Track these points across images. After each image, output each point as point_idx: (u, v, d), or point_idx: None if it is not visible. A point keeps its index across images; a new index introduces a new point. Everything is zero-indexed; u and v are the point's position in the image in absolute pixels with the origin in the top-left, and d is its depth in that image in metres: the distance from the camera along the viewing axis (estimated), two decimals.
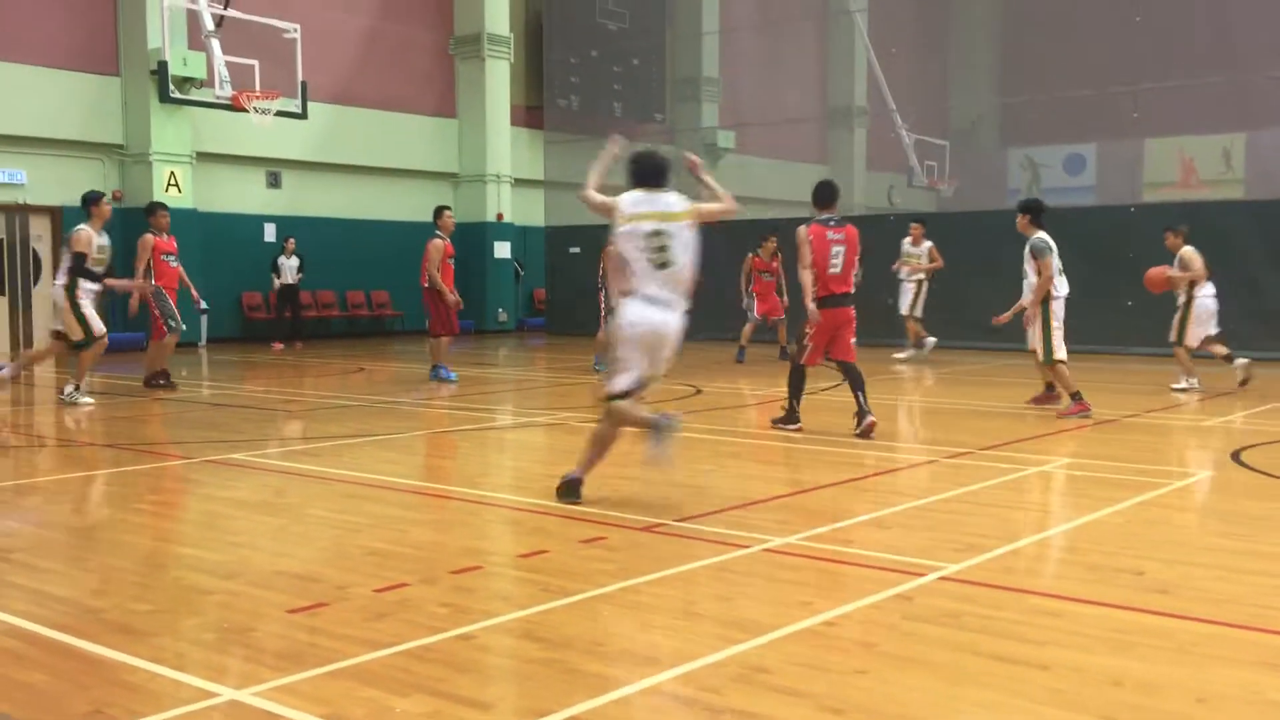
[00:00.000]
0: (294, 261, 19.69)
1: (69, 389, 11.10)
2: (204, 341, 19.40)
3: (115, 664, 3.62)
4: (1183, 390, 11.77)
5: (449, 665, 3.61)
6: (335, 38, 21.24)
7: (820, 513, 6.06)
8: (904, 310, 16.20)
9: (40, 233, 18.46)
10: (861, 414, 8.70)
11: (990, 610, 4.20)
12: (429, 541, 5.41)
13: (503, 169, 23.82)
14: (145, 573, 4.88)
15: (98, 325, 11.14)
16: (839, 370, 9.17)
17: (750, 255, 16.09)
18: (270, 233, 20.70)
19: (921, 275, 16.18)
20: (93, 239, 11.01)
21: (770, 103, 28.79)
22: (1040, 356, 9.85)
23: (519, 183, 24.25)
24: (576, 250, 20.04)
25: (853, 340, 8.96)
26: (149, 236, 12.33)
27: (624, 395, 6.04)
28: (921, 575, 4.65)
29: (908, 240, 16.31)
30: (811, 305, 8.69)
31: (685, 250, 6.17)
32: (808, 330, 8.84)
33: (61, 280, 11.06)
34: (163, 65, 17.59)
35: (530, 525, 5.86)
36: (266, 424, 9.92)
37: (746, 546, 5.17)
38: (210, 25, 17.61)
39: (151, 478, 7.28)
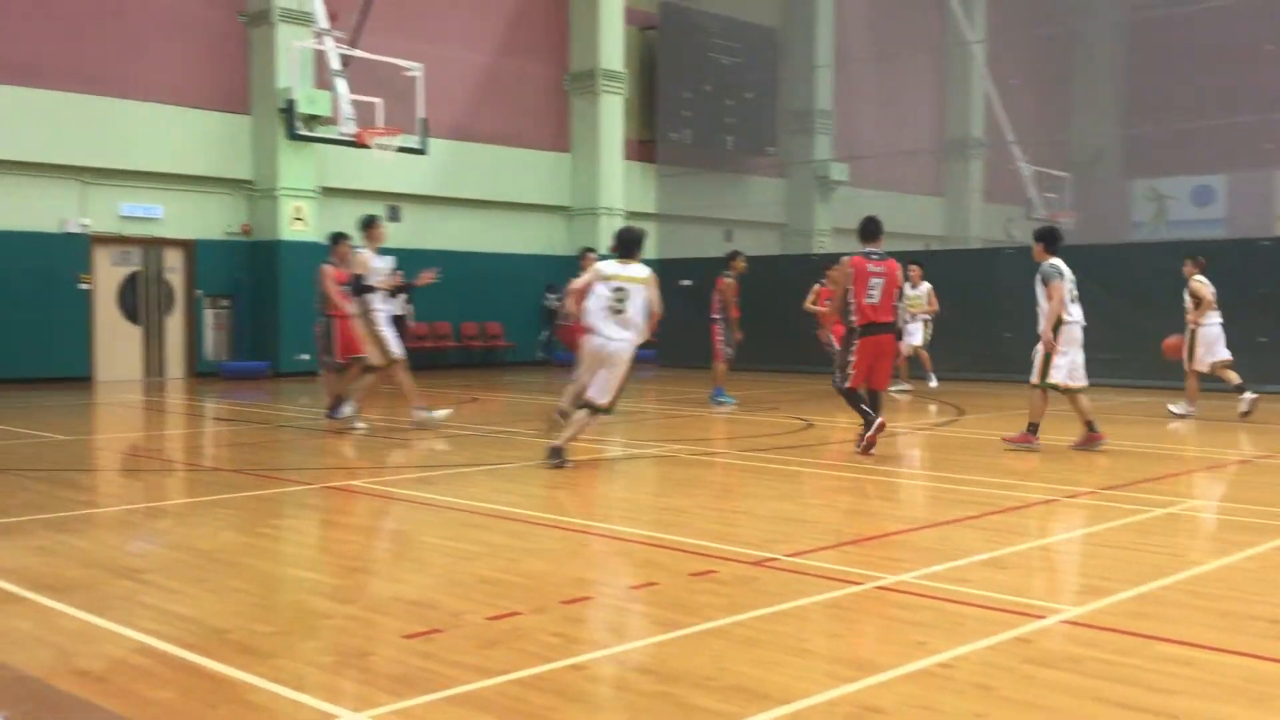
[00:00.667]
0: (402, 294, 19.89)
1: (346, 409, 11.19)
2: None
3: (240, 684, 3.72)
4: (1180, 415, 12.46)
5: (560, 695, 3.63)
6: (455, 75, 21.77)
7: (935, 550, 5.94)
8: (918, 343, 16.06)
9: (174, 265, 19.23)
10: (867, 426, 9.32)
11: (1115, 656, 4.05)
12: (540, 571, 5.45)
13: (614, 202, 24.06)
14: (267, 595, 5.02)
15: (394, 349, 11.14)
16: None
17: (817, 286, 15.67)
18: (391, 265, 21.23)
19: (926, 316, 15.91)
20: (369, 260, 11.10)
21: (884, 135, 28.58)
22: (1033, 377, 9.88)
23: (631, 215, 24.45)
24: (688, 283, 20.08)
25: (891, 369, 9.84)
26: (328, 267, 12.48)
27: (588, 405, 8.77)
28: (1042, 618, 4.52)
29: (907, 284, 15.63)
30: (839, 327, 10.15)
31: (636, 303, 8.71)
32: (851, 357, 9.42)
33: (355, 308, 11.13)
34: (291, 104, 18.25)
35: (640, 557, 5.86)
36: (383, 452, 10.13)
37: (859, 584, 5.09)
38: (336, 65, 18.22)
39: (274, 503, 7.49)
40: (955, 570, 5.42)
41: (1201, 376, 12.67)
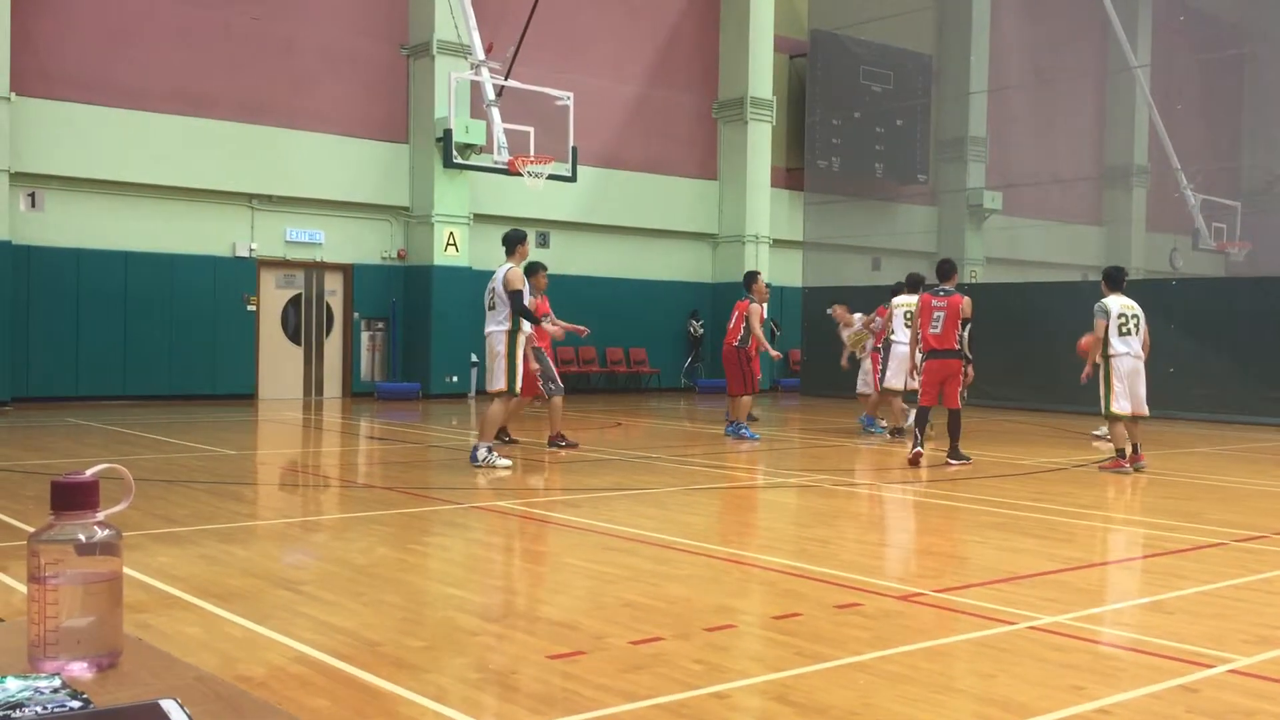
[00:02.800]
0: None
1: (481, 453, 10.21)
2: (474, 393, 20.39)
3: (390, 695, 3.82)
4: (1100, 437, 13.07)
5: None
6: (604, 104, 22.11)
7: (1093, 592, 5.71)
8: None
9: (334, 288, 19.98)
10: (952, 453, 10.85)
11: None
12: (682, 597, 5.44)
13: (761, 230, 24.01)
14: (417, 610, 5.14)
15: (519, 381, 10.47)
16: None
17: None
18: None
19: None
20: (522, 277, 10.57)
21: (1041, 162, 27.84)
22: (1102, 409, 10.84)
23: (777, 243, 24.38)
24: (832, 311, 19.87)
25: (960, 391, 11.05)
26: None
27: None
28: (1209, 666, 4.29)
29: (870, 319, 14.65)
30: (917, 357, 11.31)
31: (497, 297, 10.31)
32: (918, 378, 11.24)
33: (504, 326, 10.35)
34: (447, 133, 18.81)
35: (783, 587, 5.80)
36: (529, 474, 10.28)
37: (1011, 623, 4.93)
38: (491, 95, 18.71)
39: (424, 520, 7.68)
40: (1115, 613, 5.21)
41: None
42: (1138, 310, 10.71)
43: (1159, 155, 28.71)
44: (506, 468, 10.13)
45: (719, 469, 10.73)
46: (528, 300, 10.74)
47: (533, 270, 11.81)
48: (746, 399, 13.15)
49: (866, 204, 26.19)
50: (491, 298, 10.51)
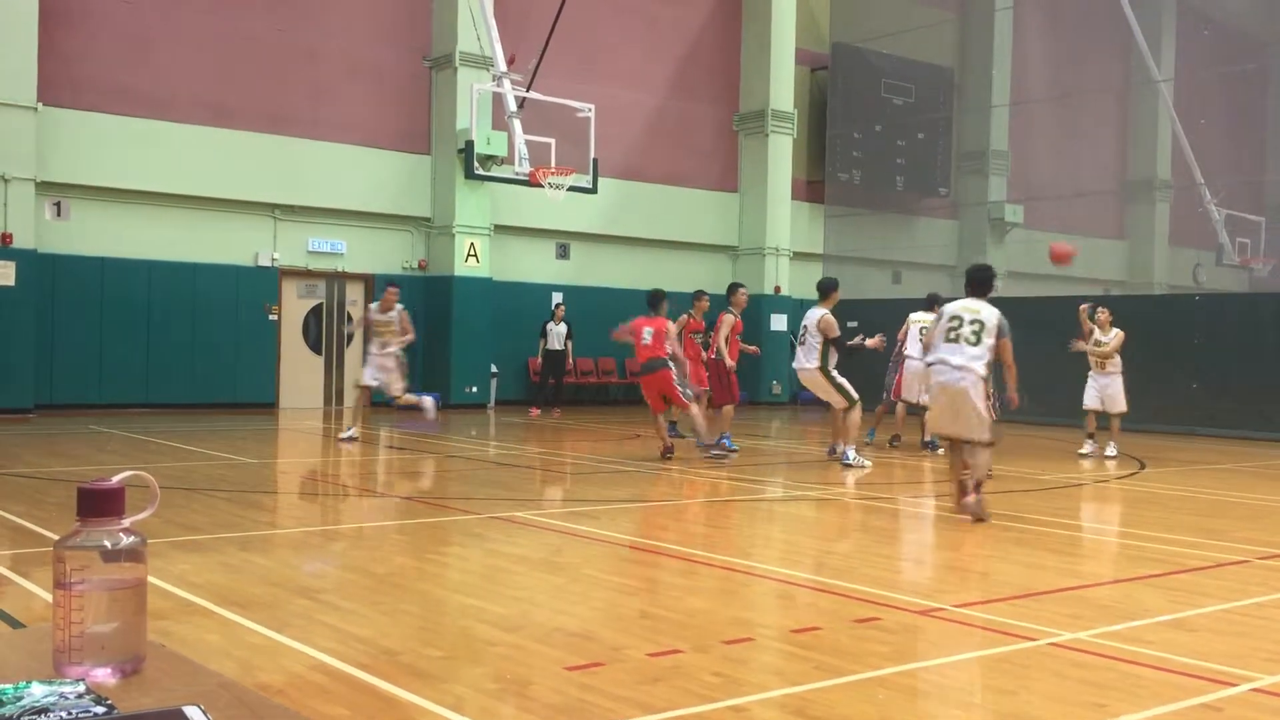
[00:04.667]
0: (562, 328, 19.80)
1: (849, 454, 11.63)
2: (493, 404, 20.42)
3: (408, 704, 3.82)
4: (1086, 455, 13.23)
5: None
6: (625, 116, 22.16)
7: (1113, 609, 5.67)
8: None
9: (355, 298, 20.06)
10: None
11: None
12: (701, 609, 5.43)
13: (781, 242, 24.00)
14: (435, 619, 5.15)
15: (854, 392, 11.89)
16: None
17: (685, 315, 13.85)
18: (557, 301, 21.66)
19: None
20: (834, 323, 11.88)
21: (1063, 176, 27.75)
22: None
23: (798, 256, 24.36)
24: (854, 324, 19.84)
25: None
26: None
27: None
28: (1232, 685, 4.26)
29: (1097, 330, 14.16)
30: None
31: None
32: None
33: (815, 363, 11.90)
34: (469, 144, 18.89)
35: (802, 600, 5.78)
36: (548, 485, 10.29)
37: (1031, 639, 4.90)
38: (513, 107, 18.78)
39: (443, 530, 7.69)
40: (1135, 630, 5.17)
41: None
42: (981, 317, 8.51)
43: (1182, 169, 28.58)
44: (864, 468, 11.48)
45: (738, 481, 10.71)
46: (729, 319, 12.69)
47: (731, 289, 13.38)
48: (728, 409, 13.06)
49: (887, 217, 26.15)
50: (804, 335, 12.08)
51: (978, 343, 8.40)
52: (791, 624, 5.20)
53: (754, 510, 9.24)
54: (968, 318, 8.47)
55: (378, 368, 13.52)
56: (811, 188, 25.29)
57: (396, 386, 13.54)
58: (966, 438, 8.42)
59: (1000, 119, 27.39)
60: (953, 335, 8.45)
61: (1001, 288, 26.47)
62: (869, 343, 12.51)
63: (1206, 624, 5.36)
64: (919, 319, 13.39)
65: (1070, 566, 7.20)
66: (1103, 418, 13.50)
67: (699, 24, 23.70)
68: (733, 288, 13.47)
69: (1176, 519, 8.88)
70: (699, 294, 14.24)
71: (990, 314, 8.45)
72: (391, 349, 13.57)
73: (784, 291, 24.11)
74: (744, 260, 24.15)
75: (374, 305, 14.07)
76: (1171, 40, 29.51)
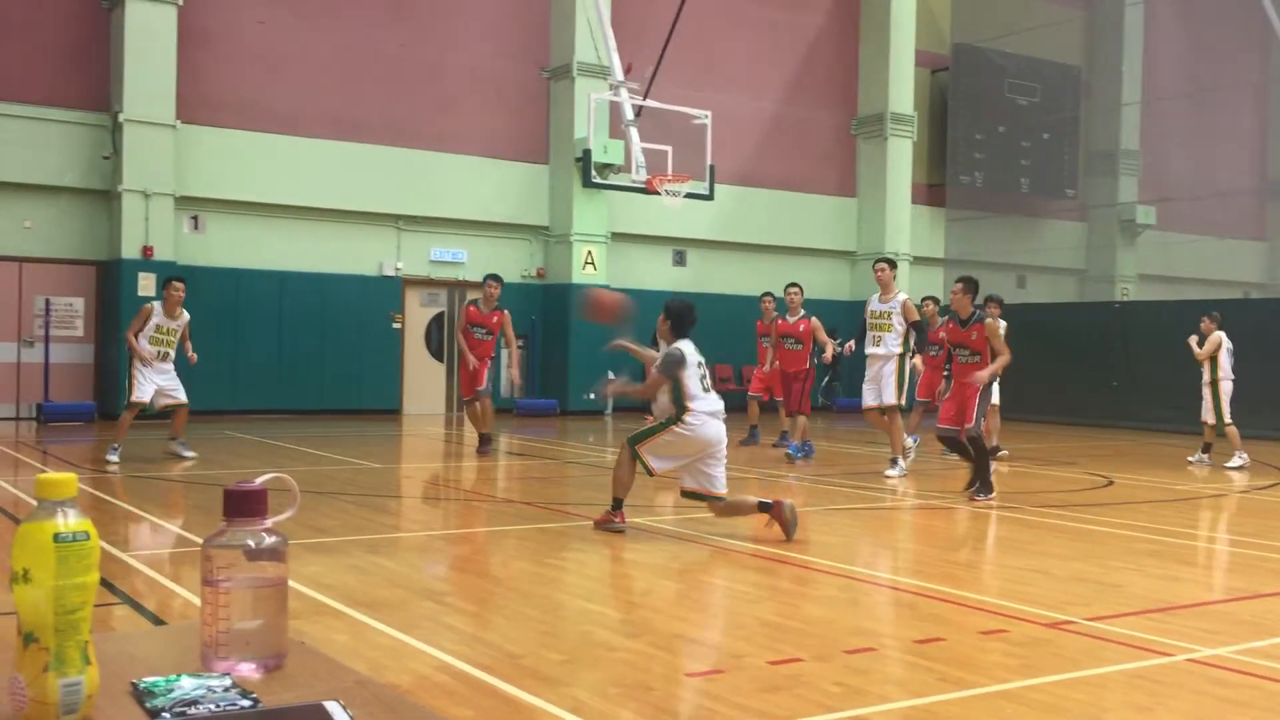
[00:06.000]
0: None
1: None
2: (610, 411, 20.56)
3: (530, 707, 3.87)
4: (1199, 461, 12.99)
5: None
6: (741, 122, 22.11)
7: (1258, 624, 5.44)
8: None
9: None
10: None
11: None
12: (821, 618, 5.38)
13: (901, 247, 23.63)
14: (556, 624, 5.20)
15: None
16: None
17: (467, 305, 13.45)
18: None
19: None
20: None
21: (1199, 175, 26.74)
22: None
23: (918, 260, 23.96)
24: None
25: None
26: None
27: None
28: None
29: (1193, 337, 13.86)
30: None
31: None
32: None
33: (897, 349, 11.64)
34: (586, 153, 19.07)
35: (925, 611, 5.68)
36: (665, 491, 10.31)
37: (1168, 654, 4.72)
38: (630, 115, 18.90)
39: (562, 536, 7.77)
40: (1278, 647, 4.94)
41: None
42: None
43: None
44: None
45: (858, 489, 10.57)
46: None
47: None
48: (802, 418, 12.91)
49: (1011, 220, 25.55)
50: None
51: None
52: (914, 634, 5.11)
53: (873, 518, 9.12)
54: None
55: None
56: (932, 191, 24.86)
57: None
58: None
59: (1131, 117, 26.54)
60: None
61: (1134, 292, 25.72)
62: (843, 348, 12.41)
63: None
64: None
65: (1209, 579, 6.93)
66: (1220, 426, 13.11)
67: (816, 28, 23.52)
68: (485, 279, 13.30)
69: None
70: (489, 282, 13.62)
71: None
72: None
73: (908, 298, 23.69)
74: (863, 265, 23.83)
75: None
76: None
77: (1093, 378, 19.48)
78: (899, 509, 9.74)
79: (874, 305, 11.51)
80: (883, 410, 11.34)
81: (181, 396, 11.63)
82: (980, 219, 24.80)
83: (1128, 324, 19.70)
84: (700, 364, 7.59)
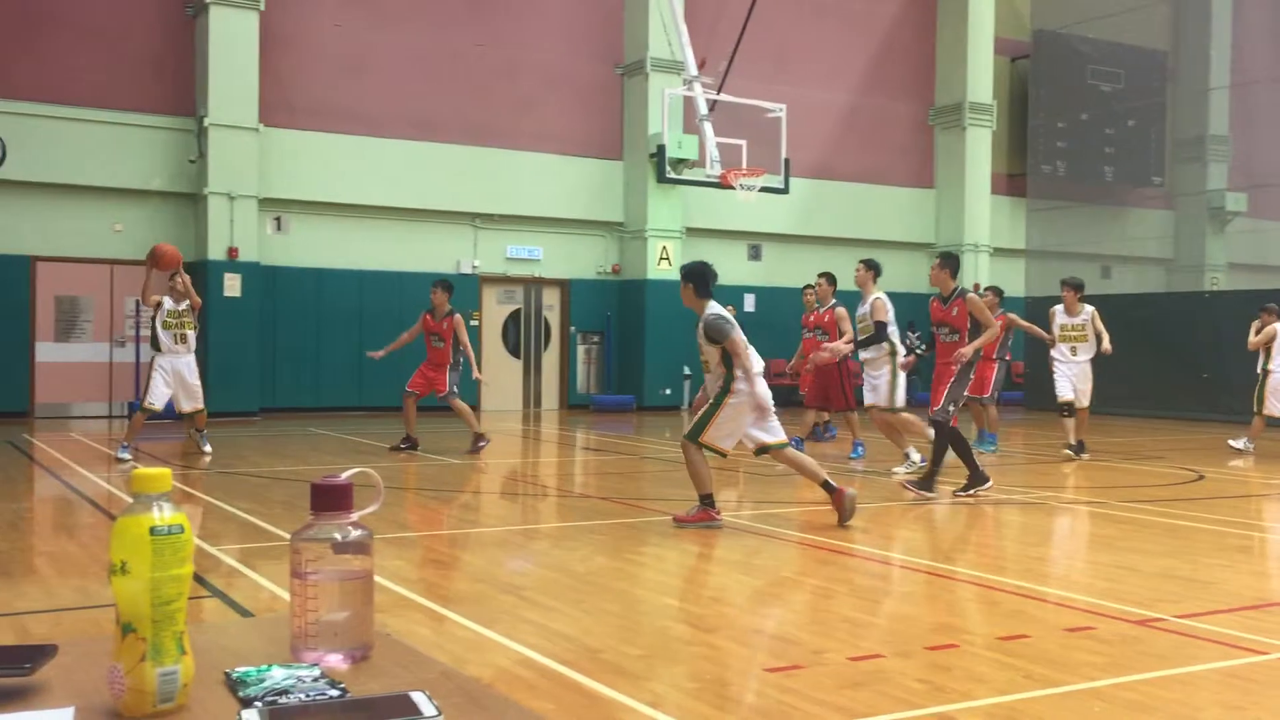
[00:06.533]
0: None
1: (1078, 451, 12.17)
2: (687, 406, 20.55)
3: (609, 701, 3.88)
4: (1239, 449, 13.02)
5: None
6: (816, 114, 21.93)
7: None
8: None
9: (551, 303, 20.55)
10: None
11: None
12: (902, 614, 5.32)
13: (981, 238, 23.28)
14: (634, 618, 5.21)
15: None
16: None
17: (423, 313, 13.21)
18: (750, 303, 21.59)
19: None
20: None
21: None
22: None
23: (998, 252, 23.58)
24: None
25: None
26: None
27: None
28: None
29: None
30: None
31: None
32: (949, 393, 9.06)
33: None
34: (661, 149, 19.08)
35: (1008, 607, 5.59)
36: (742, 486, 10.28)
37: (1262, 652, 4.59)
38: (704, 110, 18.86)
39: (640, 531, 7.78)
40: None
41: None
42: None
43: None
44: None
45: (939, 483, 10.43)
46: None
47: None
48: (853, 415, 12.65)
49: (1094, 209, 25.02)
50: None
51: None
52: (998, 631, 5.03)
53: (955, 513, 8.99)
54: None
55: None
56: (1012, 181, 24.44)
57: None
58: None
59: (1220, 102, 25.82)
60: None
61: (1224, 281, 25.03)
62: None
63: None
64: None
65: None
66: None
67: (892, 18, 23.25)
68: (435, 284, 12.92)
69: None
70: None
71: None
72: None
73: (984, 289, 23.35)
74: None
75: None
76: None
77: (1182, 370, 19.02)
78: (980, 504, 9.59)
79: (860, 309, 11.14)
80: (893, 412, 11.04)
81: (198, 404, 11.75)
82: (1062, 209, 24.33)
83: (1218, 314, 19.17)
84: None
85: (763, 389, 7.52)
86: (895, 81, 23.26)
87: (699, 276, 7.78)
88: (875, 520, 8.31)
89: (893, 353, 10.92)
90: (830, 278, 13.30)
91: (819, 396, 12.73)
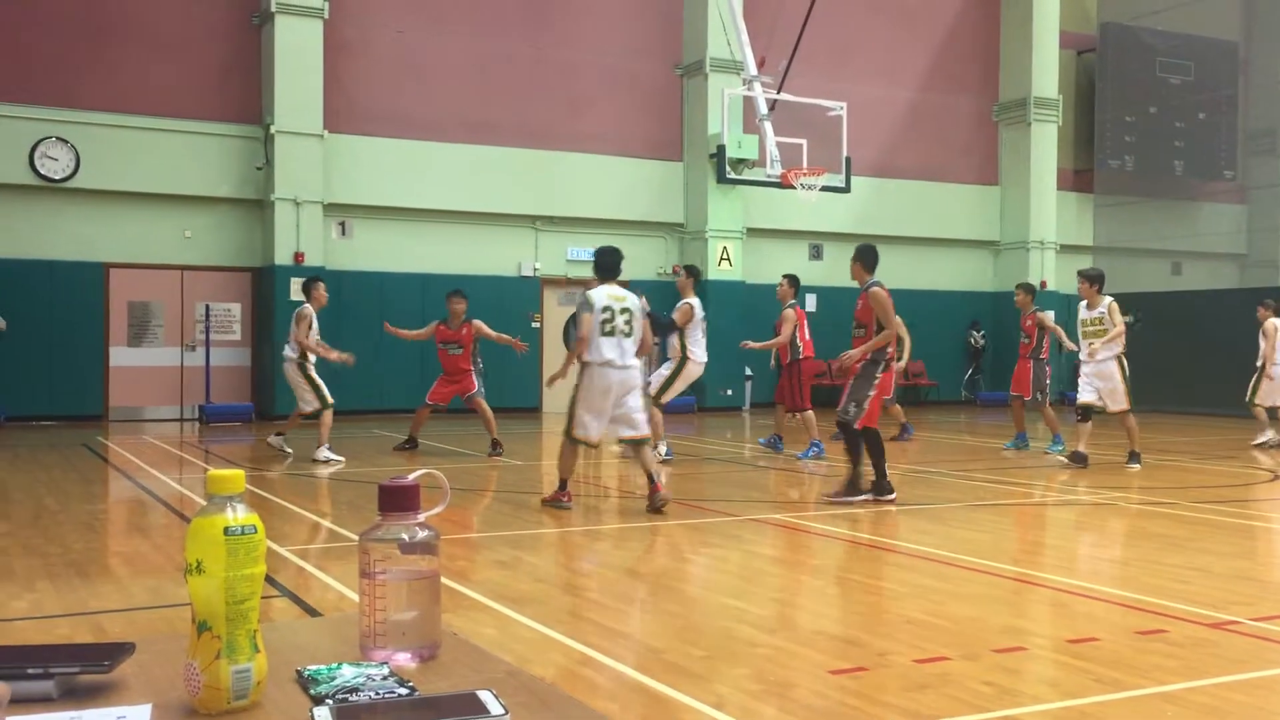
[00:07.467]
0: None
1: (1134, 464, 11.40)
2: (747, 406, 20.49)
3: (672, 701, 3.89)
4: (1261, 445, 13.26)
5: None
6: (877, 112, 21.76)
7: None
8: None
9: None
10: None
11: None
12: (968, 616, 5.26)
13: (1047, 235, 22.93)
14: (697, 619, 5.21)
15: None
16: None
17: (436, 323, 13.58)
18: (811, 303, 21.46)
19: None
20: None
21: None
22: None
23: (1064, 249, 23.22)
24: (1129, 319, 18.77)
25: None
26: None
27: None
28: None
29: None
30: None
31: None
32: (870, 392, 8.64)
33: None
34: (721, 149, 19.04)
35: (1077, 609, 5.51)
36: (804, 487, 10.24)
37: None
38: (764, 110, 18.80)
39: (701, 532, 7.78)
40: None
41: None
42: (630, 304, 8.37)
43: None
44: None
45: (1003, 484, 10.31)
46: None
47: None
48: (809, 414, 12.54)
49: (1164, 204, 24.54)
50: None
51: (631, 333, 8.35)
52: (1067, 634, 4.96)
53: (1022, 514, 8.88)
54: (619, 308, 8.30)
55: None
56: (1079, 177, 24.05)
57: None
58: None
59: None
60: (609, 329, 8.23)
61: None
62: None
63: None
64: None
65: None
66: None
67: (955, 13, 22.99)
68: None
69: None
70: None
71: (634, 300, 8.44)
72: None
73: (1050, 286, 23.03)
74: (1006, 255, 23.24)
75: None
76: None
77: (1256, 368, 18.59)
78: (1046, 504, 9.46)
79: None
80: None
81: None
82: (1131, 204, 23.89)
83: None
84: (606, 309, 8.18)
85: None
86: (957, 77, 23.00)
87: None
88: (938, 520, 8.23)
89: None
90: (792, 279, 13.36)
91: (787, 396, 12.74)
